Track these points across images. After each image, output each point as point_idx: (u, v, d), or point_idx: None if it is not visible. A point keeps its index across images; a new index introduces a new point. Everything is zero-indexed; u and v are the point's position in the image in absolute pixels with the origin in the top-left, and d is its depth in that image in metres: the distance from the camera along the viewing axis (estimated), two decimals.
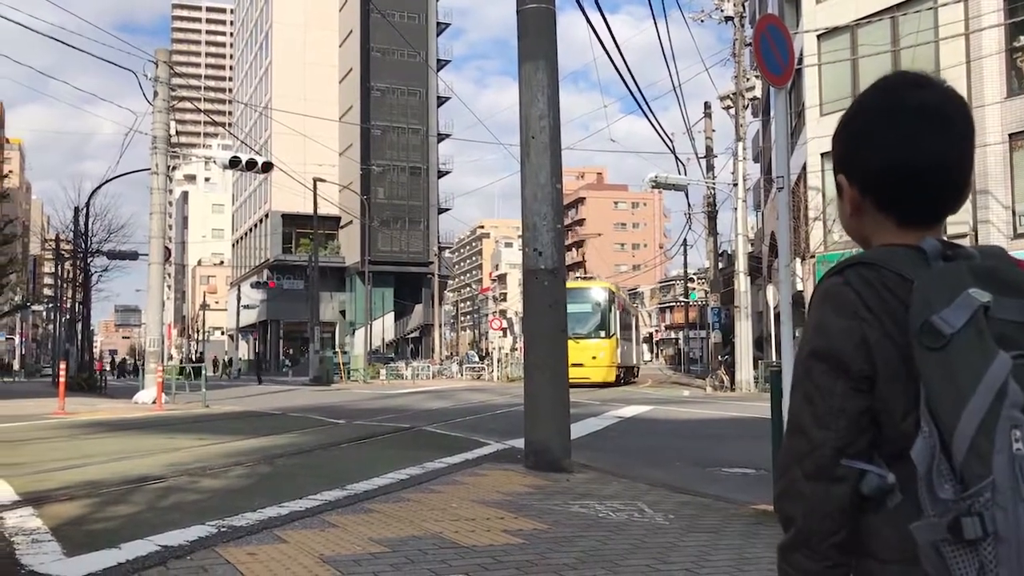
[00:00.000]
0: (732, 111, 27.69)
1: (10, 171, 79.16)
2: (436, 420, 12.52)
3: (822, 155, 26.23)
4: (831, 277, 1.24)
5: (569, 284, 31.67)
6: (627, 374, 36.42)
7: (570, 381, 26.54)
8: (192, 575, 3.78)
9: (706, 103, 32.68)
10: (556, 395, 7.66)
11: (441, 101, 69.60)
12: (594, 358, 30.01)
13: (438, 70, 67.79)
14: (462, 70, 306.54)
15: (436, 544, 4.44)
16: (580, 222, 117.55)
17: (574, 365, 25.16)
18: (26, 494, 6.17)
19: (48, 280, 75.11)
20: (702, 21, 27.90)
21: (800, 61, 25.21)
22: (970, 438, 1.04)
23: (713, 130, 32.05)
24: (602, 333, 31.37)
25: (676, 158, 30.38)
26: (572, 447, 7.73)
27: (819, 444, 1.20)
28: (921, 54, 23.32)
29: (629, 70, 20.98)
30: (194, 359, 70.15)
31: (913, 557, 1.10)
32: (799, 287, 25.26)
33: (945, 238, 1.23)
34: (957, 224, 21.21)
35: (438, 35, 69.56)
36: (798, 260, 24.62)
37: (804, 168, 26.69)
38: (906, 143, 1.22)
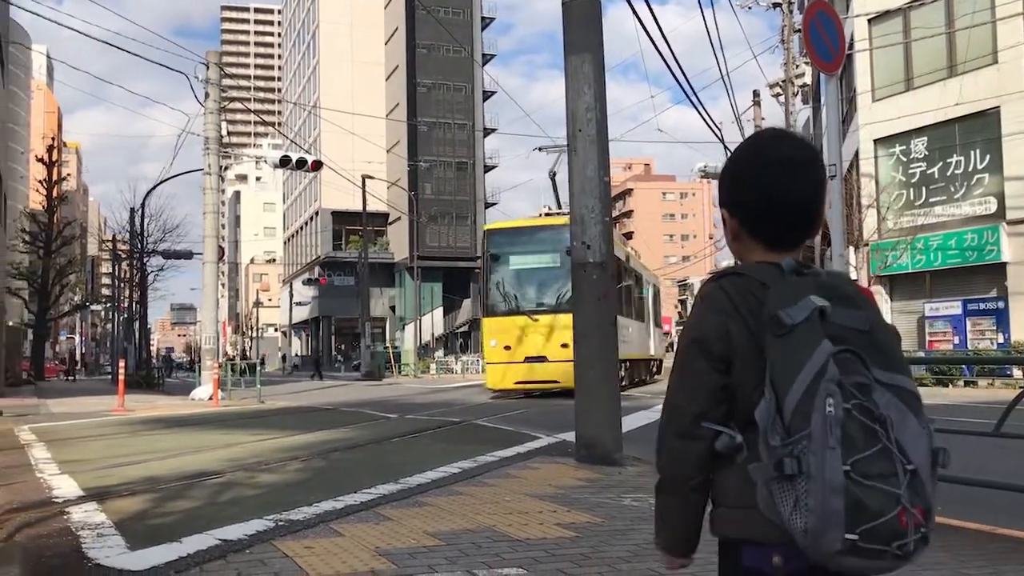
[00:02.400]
0: (782, 99, 27.31)
1: (68, 174, 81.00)
2: (486, 414, 12.58)
3: (875, 141, 25.75)
4: (711, 283, 1.59)
5: (522, 220, 22.88)
6: (636, 370, 24.50)
7: (525, 384, 18.51)
8: (251, 568, 3.85)
9: (755, 91, 32.28)
10: (606, 388, 7.64)
11: (487, 96, 69.64)
12: (564, 346, 16.97)
13: (483, 65, 67.78)
14: (510, 65, 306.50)
15: (490, 537, 4.46)
16: (628, 214, 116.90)
17: (530, 360, 18.86)
18: (90, 489, 6.34)
19: (106, 280, 76.84)
20: (749, 8, 27.52)
21: (851, 46, 24.76)
22: (797, 401, 1.36)
23: (763, 118, 31.63)
24: None
25: (725, 147, 30.01)
26: (624, 440, 7.71)
27: (684, 410, 1.55)
28: (977, 36, 22.75)
29: (676, 60, 20.78)
30: (242, 356, 71.28)
31: (753, 503, 1.42)
32: (853, 276, 24.87)
33: (801, 259, 1.58)
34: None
35: (483, 30, 69.58)
36: (851, 248, 24.21)
37: (856, 155, 26.22)
38: (770, 186, 1.57)
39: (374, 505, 5.39)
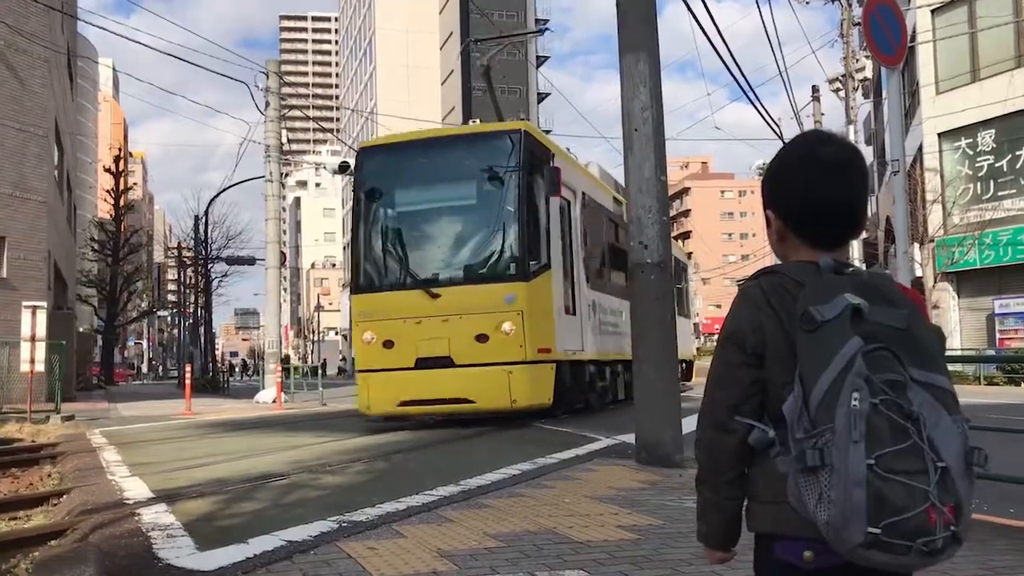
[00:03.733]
0: (841, 94, 26.83)
1: (134, 184, 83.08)
2: (544, 416, 12.56)
3: (939, 135, 25.15)
4: (748, 281, 1.63)
5: (413, 132, 13.92)
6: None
7: (417, 405, 11.66)
8: (316, 569, 3.91)
9: (814, 87, 31.71)
10: (666, 389, 7.59)
11: (541, 97, 69.74)
12: (482, 340, 11.25)
13: (538, 67, 67.85)
14: (566, 66, 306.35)
15: (550, 539, 4.47)
16: (685, 213, 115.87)
17: (426, 364, 11.34)
18: (159, 491, 6.49)
19: (171, 286, 78.60)
20: (807, 2, 27.10)
21: (913, 38, 24.21)
22: (822, 395, 1.39)
23: (822, 114, 31.11)
24: (510, 267, 11.56)
25: (784, 144, 29.62)
26: (684, 442, 7.65)
27: (718, 402, 1.60)
28: None
29: (733, 57, 20.55)
30: (304, 360, 72.24)
31: (784, 498, 1.45)
32: (918, 273, 24.30)
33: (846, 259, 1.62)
34: None
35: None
36: (916, 245, 23.68)
37: (920, 149, 25.63)
38: (817, 187, 1.60)
39: (435, 507, 5.43)
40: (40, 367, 15.91)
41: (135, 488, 6.78)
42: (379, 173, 12.53)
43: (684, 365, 22.40)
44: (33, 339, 15.50)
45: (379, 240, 12.38)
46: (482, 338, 11.17)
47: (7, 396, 18.30)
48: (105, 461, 8.92)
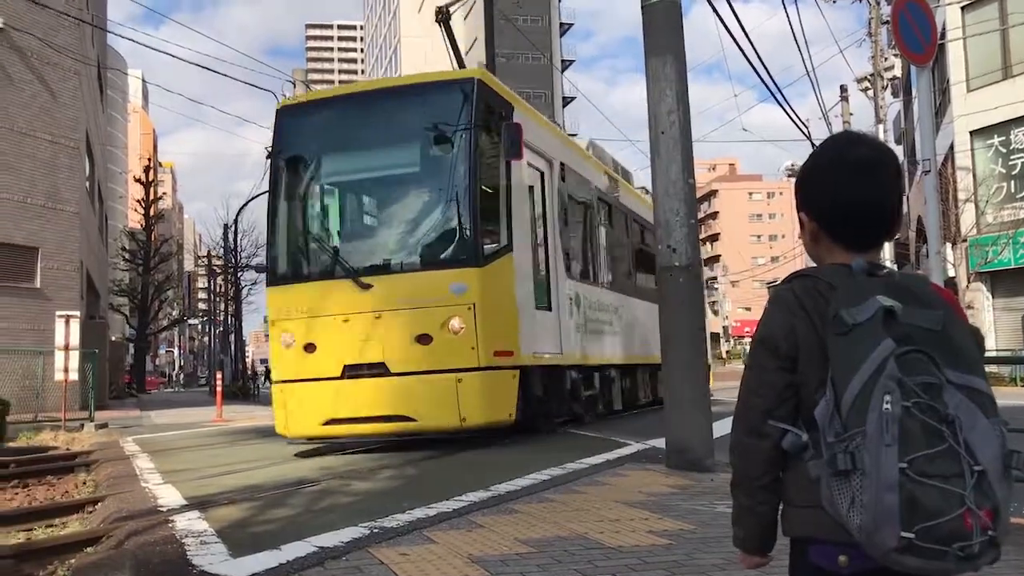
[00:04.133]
0: (870, 93, 26.60)
1: (164, 193, 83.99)
2: (573, 420, 12.54)
3: (971, 133, 24.86)
4: (781, 285, 1.64)
5: (342, 87, 13.09)
6: (632, 391, 15.12)
7: (343, 424, 9.13)
8: (348, 575, 3.92)
9: (842, 86, 31.45)
10: (695, 393, 7.55)
11: (566, 101, 69.70)
12: (423, 341, 9.03)
13: (563, 71, 67.86)
14: (592, 70, 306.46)
15: (582, 545, 4.45)
16: (713, 215, 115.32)
17: (354, 372, 9.16)
18: (192, 498, 6.55)
19: (202, 295, 79.39)
20: (835, 1, 26.90)
21: (943, 35, 23.95)
22: (853, 399, 1.38)
23: (851, 113, 30.83)
24: (459, 249, 9.30)
25: (812, 145, 29.38)
26: (715, 446, 7.60)
27: (752, 407, 1.60)
28: None
29: (760, 59, 20.44)
30: None
31: (818, 502, 1.44)
32: (951, 273, 24.00)
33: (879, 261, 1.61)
34: None
35: (562, 36, 69.71)
36: (949, 245, 23.38)
37: (951, 148, 25.34)
38: (848, 188, 1.60)
39: (466, 512, 5.43)
40: (74, 376, 16.12)
41: (168, 495, 6.84)
42: (300, 138, 10.37)
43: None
44: (67, 348, 15.71)
45: (299, 219, 10.36)
46: (424, 339, 8.97)
47: (42, 405, 18.55)
48: (138, 468, 9.02)
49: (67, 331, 15.77)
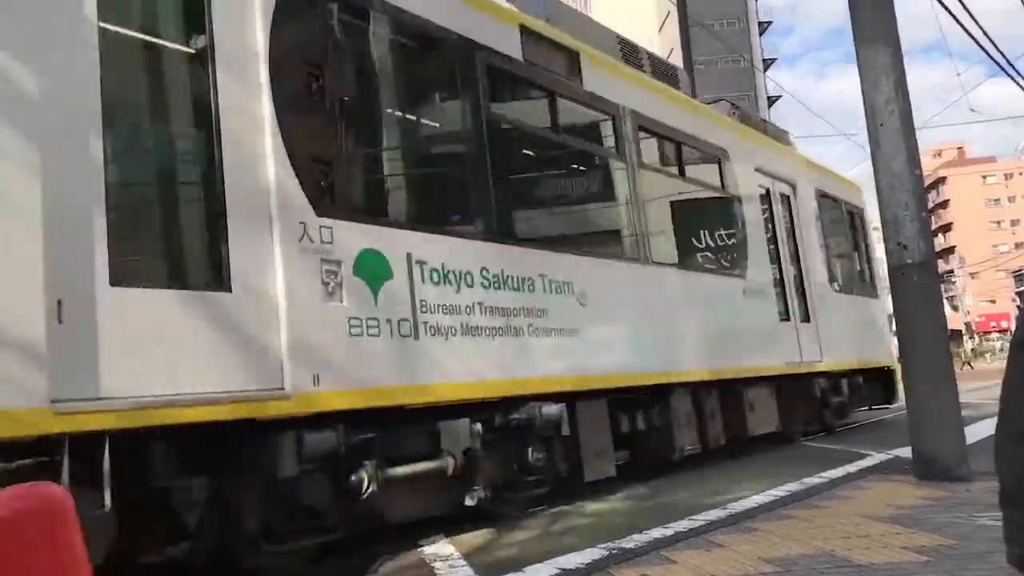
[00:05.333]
0: None
1: None
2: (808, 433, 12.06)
3: None
4: None
5: None
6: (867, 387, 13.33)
7: None
8: None
9: None
10: (942, 399, 7.05)
11: (771, 101, 67.54)
12: None
13: (765, 70, 65.91)
14: (796, 66, 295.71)
15: (829, 563, 4.27)
16: (943, 204, 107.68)
17: None
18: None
19: None
20: None
21: None
22: None
23: None
24: None
25: None
26: (968, 452, 7.07)
27: (1012, 413, 1.50)
28: None
29: (985, 33, 18.82)
30: None
31: None
32: None
33: None
34: None
35: (760, 35, 67.83)
36: None
37: None
38: None
39: (703, 531, 5.34)
40: None
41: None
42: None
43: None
44: None
45: None
46: None
47: None
48: None
49: None
